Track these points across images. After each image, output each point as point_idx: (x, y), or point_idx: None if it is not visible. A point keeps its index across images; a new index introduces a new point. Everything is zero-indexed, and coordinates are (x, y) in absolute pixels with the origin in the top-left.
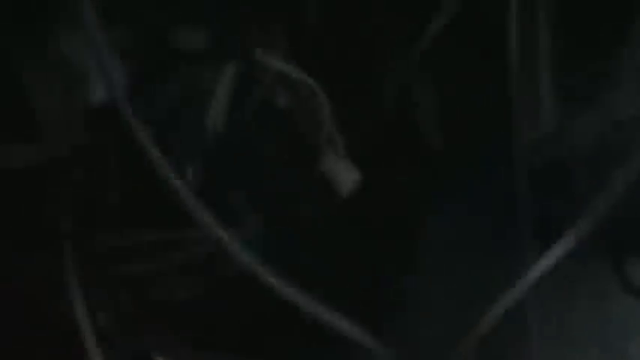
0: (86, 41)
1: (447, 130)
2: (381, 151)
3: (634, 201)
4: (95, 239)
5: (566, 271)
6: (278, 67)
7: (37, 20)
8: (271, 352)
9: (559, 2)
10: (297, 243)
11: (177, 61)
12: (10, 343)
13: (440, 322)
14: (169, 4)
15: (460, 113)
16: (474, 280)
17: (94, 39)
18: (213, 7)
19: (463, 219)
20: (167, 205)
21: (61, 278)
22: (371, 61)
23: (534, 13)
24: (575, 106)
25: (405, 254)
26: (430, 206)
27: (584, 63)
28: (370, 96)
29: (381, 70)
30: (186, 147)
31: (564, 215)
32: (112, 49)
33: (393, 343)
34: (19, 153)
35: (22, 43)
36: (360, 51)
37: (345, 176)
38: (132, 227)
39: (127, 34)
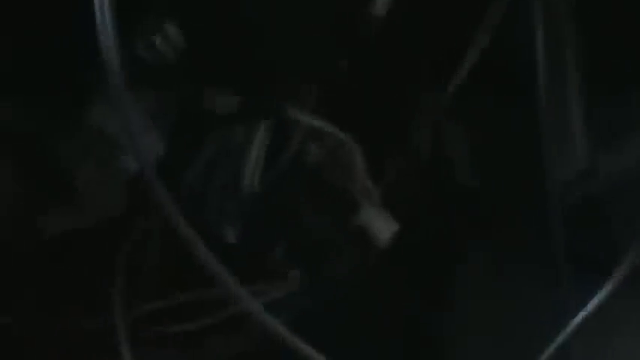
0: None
1: (481, 170)
2: (416, 196)
3: None
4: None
5: (607, 308)
6: (308, 121)
7: (71, 96)
8: None
9: (587, 39)
10: (337, 295)
11: (210, 124)
12: None
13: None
14: (201, 70)
15: (493, 153)
16: (513, 320)
17: (123, 110)
18: (243, 69)
19: (500, 259)
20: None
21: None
22: (401, 107)
23: (562, 50)
24: (608, 143)
25: (443, 299)
26: (467, 248)
27: (615, 99)
28: (403, 143)
29: (412, 116)
30: (225, 207)
31: (600, 251)
32: (144, 116)
33: None
34: (61, 222)
35: (58, 118)
36: (390, 98)
37: (382, 227)
38: (175, 288)
39: (161, 100)
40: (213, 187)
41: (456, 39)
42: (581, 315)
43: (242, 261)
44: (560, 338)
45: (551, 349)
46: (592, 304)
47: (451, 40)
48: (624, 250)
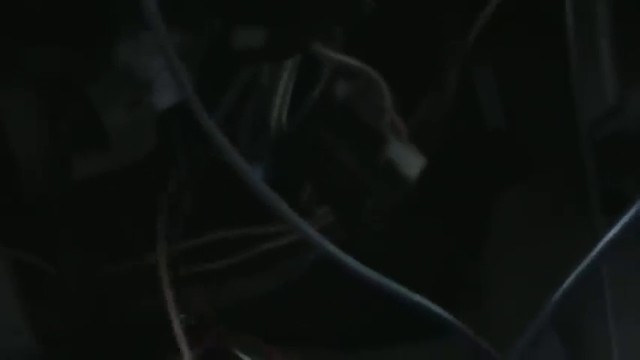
0: (146, 50)
1: (509, 109)
2: (444, 134)
3: None
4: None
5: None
6: (336, 58)
7: (98, 37)
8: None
9: None
10: (366, 233)
11: (237, 62)
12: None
13: (513, 299)
14: (226, 6)
15: (522, 91)
16: (545, 256)
17: (161, 39)
18: (269, 5)
19: (531, 198)
20: (240, 202)
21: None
22: (429, 46)
23: None
24: (637, 79)
25: (474, 237)
26: (497, 186)
27: None
28: (431, 81)
29: (439, 55)
30: (252, 145)
31: (632, 187)
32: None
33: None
34: (93, 164)
35: (86, 60)
36: (418, 36)
37: (411, 161)
38: (206, 226)
39: (186, 38)
40: (241, 126)
41: None
42: (607, 237)
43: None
44: (587, 259)
45: (578, 270)
46: (618, 227)
47: None
48: None
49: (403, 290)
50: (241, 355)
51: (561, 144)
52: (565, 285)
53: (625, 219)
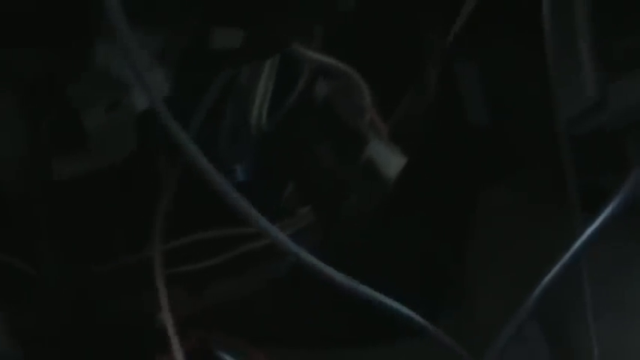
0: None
1: (493, 105)
2: (425, 133)
3: None
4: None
5: (622, 235)
6: (316, 57)
7: (75, 37)
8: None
9: None
10: (348, 232)
11: (216, 62)
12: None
13: (497, 297)
14: (204, 6)
15: (503, 88)
16: (529, 254)
17: (127, 44)
18: (248, 5)
19: (515, 195)
20: (218, 204)
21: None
22: (410, 44)
23: None
24: (618, 72)
25: (457, 235)
26: (480, 184)
27: (623, 27)
28: (411, 78)
29: (419, 51)
30: (232, 146)
31: (611, 183)
32: (150, 54)
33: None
34: (73, 165)
35: (66, 60)
36: (398, 33)
37: (391, 161)
38: (186, 227)
39: (165, 38)
40: (221, 127)
41: None
42: (587, 232)
43: (252, 199)
44: (567, 255)
45: (557, 266)
46: (597, 223)
47: None
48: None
49: (376, 295)
50: (225, 357)
51: (545, 140)
52: (545, 281)
53: (604, 215)
